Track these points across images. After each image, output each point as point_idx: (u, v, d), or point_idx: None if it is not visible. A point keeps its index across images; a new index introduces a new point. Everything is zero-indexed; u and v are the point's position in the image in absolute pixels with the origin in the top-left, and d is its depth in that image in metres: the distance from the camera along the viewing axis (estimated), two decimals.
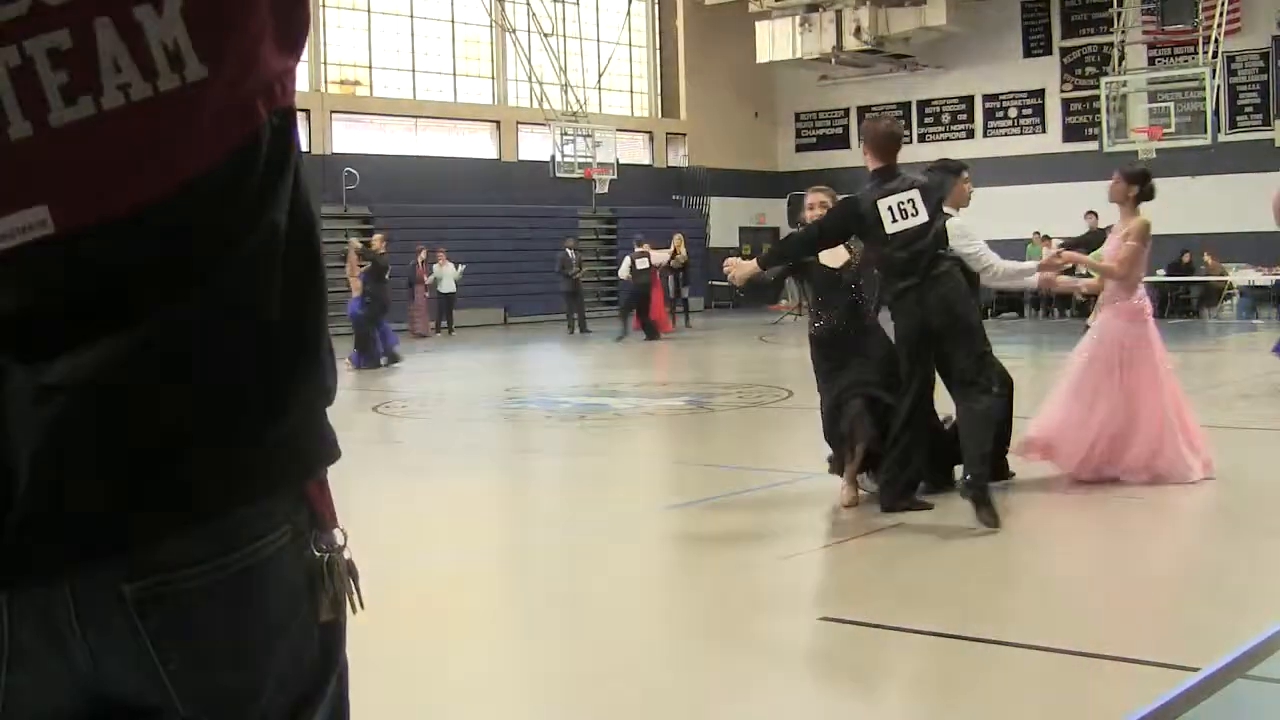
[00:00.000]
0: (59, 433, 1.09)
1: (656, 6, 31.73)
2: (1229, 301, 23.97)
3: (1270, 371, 12.91)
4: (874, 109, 29.94)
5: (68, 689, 1.17)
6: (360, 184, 24.60)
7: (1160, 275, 21.04)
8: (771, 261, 7.00)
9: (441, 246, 23.65)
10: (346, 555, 1.28)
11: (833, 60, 28.80)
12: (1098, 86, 25.72)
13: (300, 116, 1.60)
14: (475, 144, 28.05)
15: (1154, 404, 7.10)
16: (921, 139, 30.10)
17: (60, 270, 1.11)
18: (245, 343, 1.16)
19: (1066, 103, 29.05)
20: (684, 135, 31.94)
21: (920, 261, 6.43)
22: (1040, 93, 29.46)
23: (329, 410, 1.27)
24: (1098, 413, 7.11)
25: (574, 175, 25.78)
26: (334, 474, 1.30)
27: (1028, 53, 29.52)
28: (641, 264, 21.67)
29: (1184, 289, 24.54)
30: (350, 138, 25.67)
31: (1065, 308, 24.06)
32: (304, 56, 1.27)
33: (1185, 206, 21.24)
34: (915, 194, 6.52)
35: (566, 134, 25.69)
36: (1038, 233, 22.96)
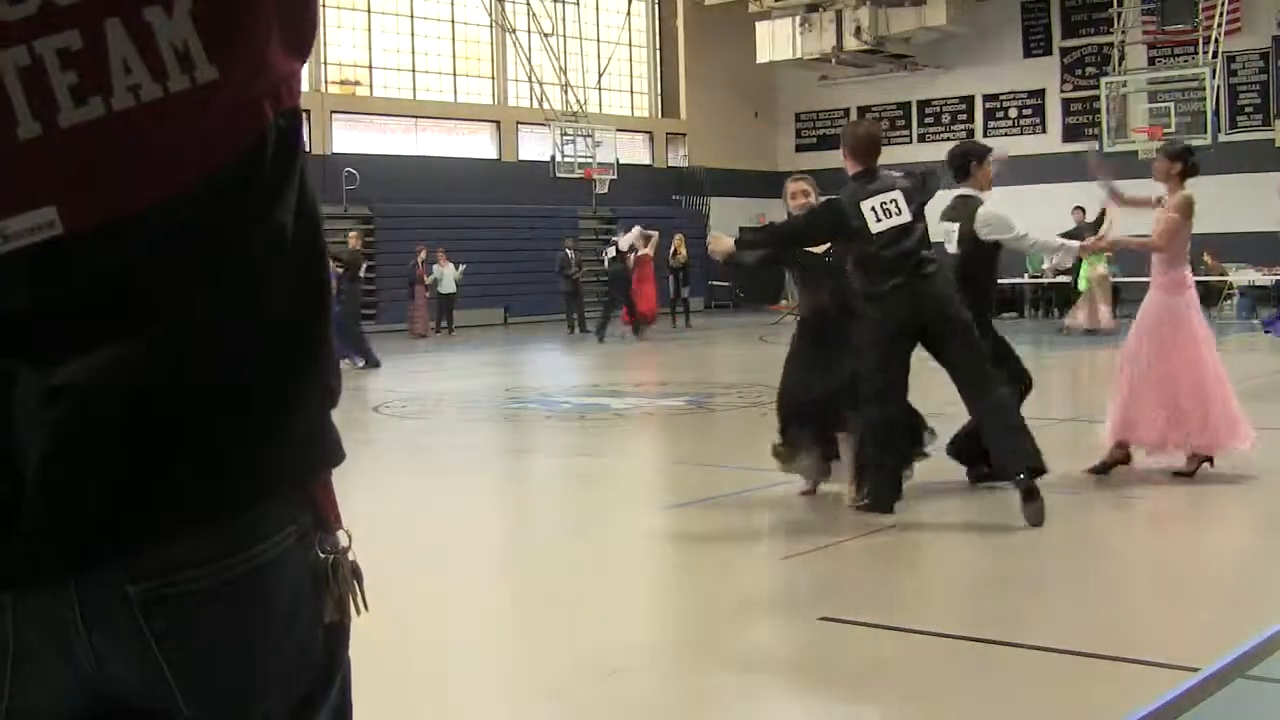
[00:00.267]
0: (67, 435, 1.10)
1: (656, 6, 31.73)
2: (1229, 301, 23.96)
3: (1271, 371, 12.91)
4: (874, 109, 29.98)
5: (72, 690, 1.17)
6: (360, 184, 24.60)
7: None
8: (747, 246, 7.01)
9: (441, 246, 23.65)
10: (351, 557, 1.28)
11: (833, 60, 28.79)
12: (1098, 86, 25.72)
13: None
14: (475, 144, 28.04)
15: (1195, 378, 7.12)
16: (921, 139, 30.10)
17: (68, 271, 1.11)
18: (252, 343, 1.16)
19: (1066, 103, 29.04)
20: (684, 135, 31.93)
21: (909, 260, 6.43)
22: (1040, 93, 29.45)
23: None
24: (1150, 389, 7.16)
25: (574, 175, 25.77)
26: (333, 474, 1.30)
27: (1028, 53, 29.51)
28: (610, 251, 21.87)
29: None
30: (350, 138, 25.66)
31: (1066, 306, 24.03)
32: None
33: None
34: (898, 194, 6.53)
35: (566, 134, 25.68)
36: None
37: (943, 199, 7.25)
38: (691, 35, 31.45)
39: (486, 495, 8.28)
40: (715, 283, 29.27)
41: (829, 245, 6.76)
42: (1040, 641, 4.54)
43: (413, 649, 4.58)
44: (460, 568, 6.01)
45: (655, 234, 22.34)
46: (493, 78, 28.52)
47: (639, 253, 21.85)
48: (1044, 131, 29.18)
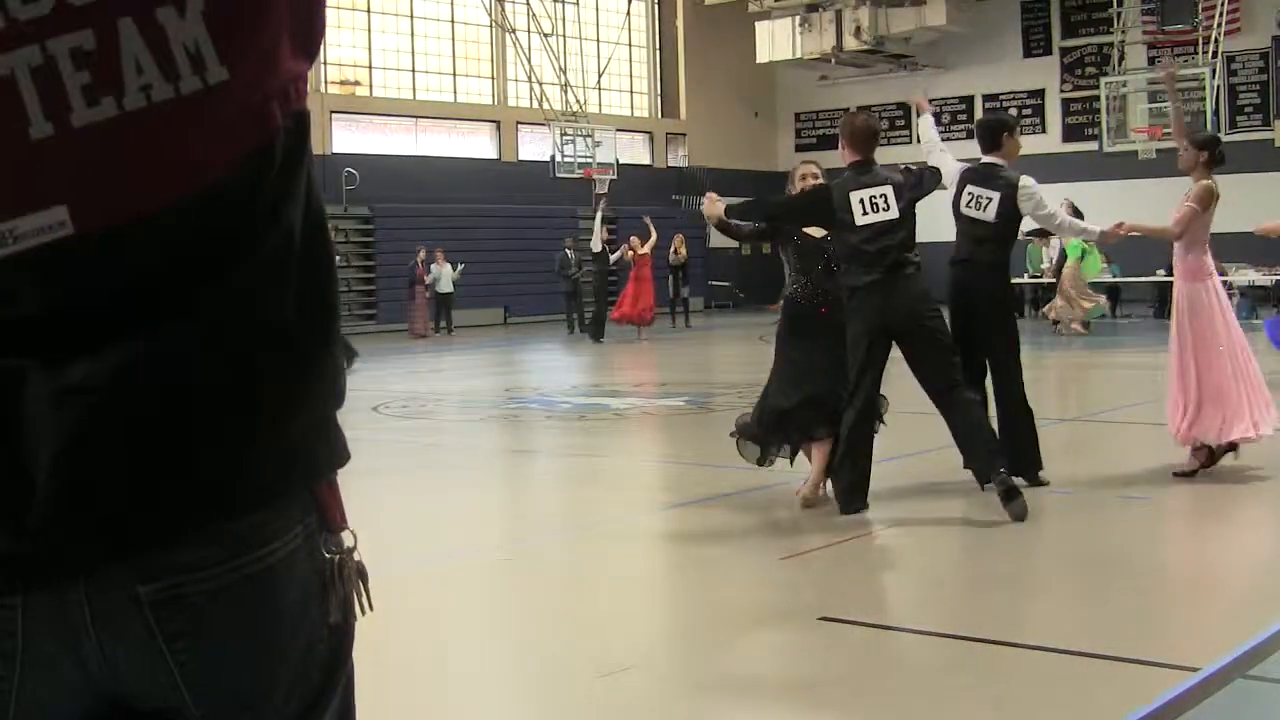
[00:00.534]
0: (77, 436, 1.10)
1: (656, 6, 31.73)
2: (1229, 302, 23.95)
3: (1271, 371, 12.89)
4: (874, 109, 29.96)
5: (79, 690, 1.17)
6: (360, 184, 24.60)
7: (1160, 275, 21.01)
8: (735, 214, 7.03)
9: (439, 246, 23.65)
10: (356, 557, 1.28)
11: (832, 60, 28.80)
12: (1098, 86, 25.72)
13: None
14: (475, 144, 28.05)
15: (1217, 365, 7.11)
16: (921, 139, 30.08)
17: (79, 272, 1.10)
18: (260, 344, 1.16)
19: (1066, 103, 29.06)
20: (684, 135, 31.93)
21: (887, 257, 6.44)
22: (1040, 93, 29.47)
23: None
24: (1176, 378, 7.18)
25: (574, 175, 25.78)
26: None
27: (1027, 53, 29.53)
28: (596, 246, 21.92)
29: None
30: (350, 138, 25.67)
31: None
32: None
33: None
34: (888, 190, 6.54)
35: (566, 134, 25.66)
36: (1037, 233, 22.95)
37: (943, 199, 7.26)
38: (691, 35, 31.45)
39: (486, 495, 8.28)
40: (715, 282, 29.27)
41: (826, 233, 6.78)
42: (1040, 641, 4.55)
43: (412, 649, 4.58)
44: (460, 568, 6.02)
45: (654, 237, 22.31)
46: (493, 78, 28.52)
47: (638, 253, 21.83)
48: (1044, 131, 29.19)
